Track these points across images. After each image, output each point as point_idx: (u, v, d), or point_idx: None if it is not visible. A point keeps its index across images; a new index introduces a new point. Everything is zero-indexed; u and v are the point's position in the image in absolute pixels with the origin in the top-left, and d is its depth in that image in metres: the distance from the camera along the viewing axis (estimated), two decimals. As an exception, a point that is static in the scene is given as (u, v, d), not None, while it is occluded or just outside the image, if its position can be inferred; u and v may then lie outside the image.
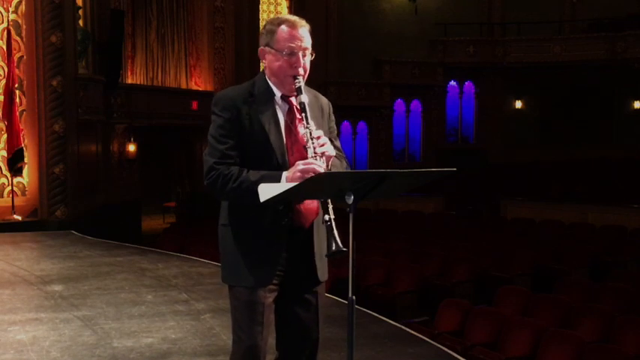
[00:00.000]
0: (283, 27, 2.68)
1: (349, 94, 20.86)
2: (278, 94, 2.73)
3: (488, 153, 22.60)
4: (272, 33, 2.69)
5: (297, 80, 2.66)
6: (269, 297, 2.67)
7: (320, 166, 2.50)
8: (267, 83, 2.74)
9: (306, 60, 2.70)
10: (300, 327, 2.76)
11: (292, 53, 2.66)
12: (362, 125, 21.99)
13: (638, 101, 22.01)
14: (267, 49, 2.71)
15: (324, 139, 2.60)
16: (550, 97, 22.52)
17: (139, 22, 16.66)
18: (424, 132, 22.82)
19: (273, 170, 2.60)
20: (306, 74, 2.71)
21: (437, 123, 22.80)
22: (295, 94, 2.67)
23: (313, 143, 2.55)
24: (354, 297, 2.41)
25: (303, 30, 2.69)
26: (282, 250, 2.64)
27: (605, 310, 6.80)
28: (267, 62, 2.72)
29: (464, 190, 18.51)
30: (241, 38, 17.96)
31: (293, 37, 2.66)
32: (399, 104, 22.57)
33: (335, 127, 2.91)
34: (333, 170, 2.62)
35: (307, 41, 2.69)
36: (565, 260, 10.28)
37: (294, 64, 2.66)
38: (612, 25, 21.64)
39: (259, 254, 2.64)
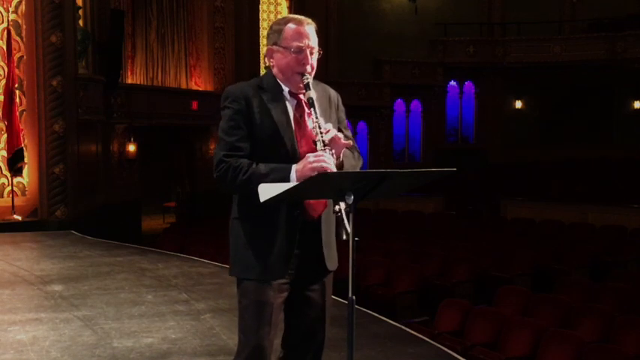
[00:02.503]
0: (290, 25, 2.70)
1: (349, 94, 20.82)
2: (286, 89, 2.74)
3: (488, 153, 22.60)
4: (279, 32, 2.72)
5: (304, 77, 2.67)
6: (279, 297, 2.66)
7: (330, 159, 2.51)
8: (275, 79, 2.75)
9: (314, 58, 2.72)
10: (307, 326, 2.76)
11: (300, 50, 2.68)
12: (362, 125, 21.99)
13: (638, 101, 22.01)
14: (274, 47, 2.73)
15: (333, 132, 2.60)
16: (550, 97, 22.52)
17: (139, 22, 16.65)
18: (424, 132, 22.82)
19: (283, 160, 2.60)
20: (314, 72, 2.72)
21: (437, 123, 22.80)
22: (303, 91, 2.69)
23: (322, 137, 2.56)
24: (354, 297, 2.41)
25: (310, 28, 2.72)
26: (294, 242, 2.64)
27: (605, 310, 6.80)
28: (275, 60, 2.74)
29: (464, 190, 18.51)
30: (241, 38, 17.96)
31: (300, 35, 2.69)
32: (399, 104, 22.56)
33: (344, 118, 2.92)
34: (344, 160, 2.63)
35: (314, 39, 2.72)
36: (565, 260, 10.28)
37: (301, 61, 2.68)
38: (612, 25, 21.64)
39: (271, 247, 2.64)
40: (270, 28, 2.77)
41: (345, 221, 2.40)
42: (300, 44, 2.68)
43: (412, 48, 21.91)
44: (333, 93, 2.87)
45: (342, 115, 2.89)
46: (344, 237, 2.39)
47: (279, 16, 19.44)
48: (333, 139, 2.56)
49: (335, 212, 2.43)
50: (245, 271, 2.69)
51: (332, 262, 2.75)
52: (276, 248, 2.64)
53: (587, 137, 21.64)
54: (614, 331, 6.39)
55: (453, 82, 23.10)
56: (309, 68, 2.69)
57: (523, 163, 21.02)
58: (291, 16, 2.77)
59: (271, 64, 2.77)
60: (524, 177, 19.55)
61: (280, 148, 2.64)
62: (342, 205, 2.41)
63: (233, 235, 2.74)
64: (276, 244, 2.64)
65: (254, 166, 2.58)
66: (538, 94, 22.74)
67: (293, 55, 2.68)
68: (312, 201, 2.65)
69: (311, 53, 2.70)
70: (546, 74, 22.02)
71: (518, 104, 23.01)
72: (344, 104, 2.94)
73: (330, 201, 2.66)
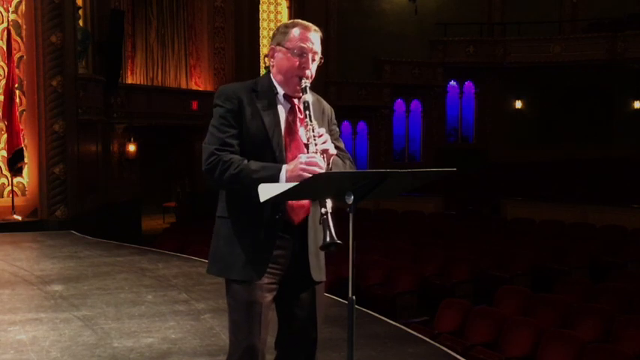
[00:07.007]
0: (297, 29, 2.73)
1: (349, 94, 20.83)
2: (281, 92, 2.75)
3: (488, 153, 22.60)
4: (285, 33, 2.74)
5: (303, 81, 2.68)
6: (267, 296, 2.67)
7: (321, 162, 2.51)
8: (271, 81, 2.77)
9: (314, 65, 2.74)
10: (299, 326, 2.76)
11: (302, 53, 2.69)
12: (362, 125, 21.98)
13: (638, 101, 22.01)
14: (277, 47, 2.75)
15: (326, 137, 2.61)
16: (550, 97, 22.52)
17: (139, 22, 16.65)
18: (424, 132, 22.81)
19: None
20: (312, 79, 2.73)
21: (437, 123, 22.79)
22: (299, 95, 2.70)
23: (315, 140, 2.56)
24: (354, 297, 2.41)
25: (315, 35, 2.74)
26: (273, 245, 2.65)
27: (605, 310, 6.81)
28: (276, 60, 2.75)
29: (464, 190, 18.51)
30: (241, 38, 17.95)
31: (305, 39, 2.71)
32: (399, 104, 22.56)
33: (337, 130, 2.93)
34: (334, 169, 2.63)
35: (318, 45, 2.74)
36: (565, 260, 10.28)
37: (302, 65, 2.69)
38: (612, 25, 21.64)
39: (250, 248, 2.65)
40: (277, 29, 2.80)
41: (330, 224, 2.40)
42: (304, 46, 2.69)
43: (412, 48, 21.91)
44: (327, 106, 2.89)
45: (335, 127, 2.91)
46: (327, 239, 2.37)
47: (279, 17, 19.52)
48: (324, 150, 2.56)
49: (321, 215, 2.43)
50: (223, 270, 2.71)
51: (318, 272, 2.74)
52: (255, 250, 2.65)
53: (587, 137, 21.64)
54: (614, 331, 6.39)
55: (453, 82, 23.09)
56: (308, 73, 2.70)
57: (523, 163, 21.01)
58: (300, 21, 2.79)
59: (271, 63, 2.78)
60: (524, 177, 19.56)
61: (268, 151, 2.65)
62: (329, 207, 2.41)
63: (215, 233, 2.76)
64: (255, 245, 2.65)
65: (245, 162, 2.59)
66: (538, 94, 22.74)
67: (295, 58, 2.69)
68: (294, 204, 2.66)
69: (313, 59, 2.72)
70: (546, 74, 22.01)
71: (518, 104, 23.01)
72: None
73: (316, 208, 2.65)
